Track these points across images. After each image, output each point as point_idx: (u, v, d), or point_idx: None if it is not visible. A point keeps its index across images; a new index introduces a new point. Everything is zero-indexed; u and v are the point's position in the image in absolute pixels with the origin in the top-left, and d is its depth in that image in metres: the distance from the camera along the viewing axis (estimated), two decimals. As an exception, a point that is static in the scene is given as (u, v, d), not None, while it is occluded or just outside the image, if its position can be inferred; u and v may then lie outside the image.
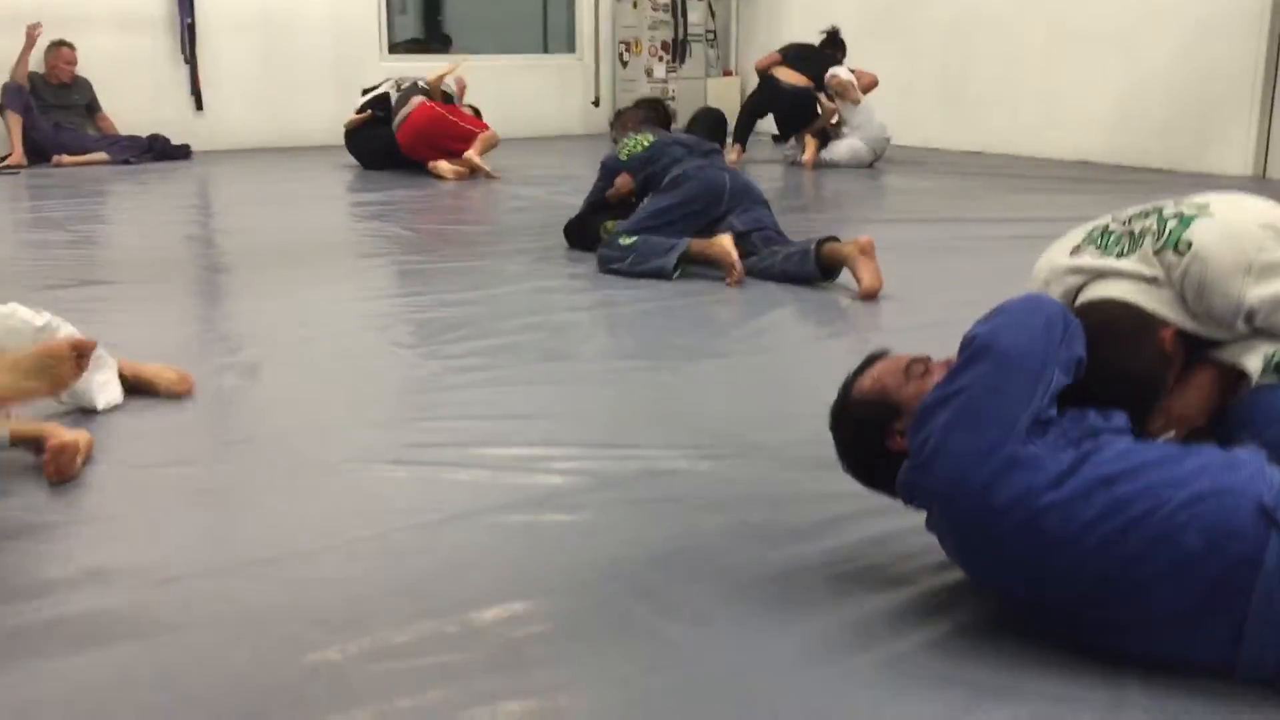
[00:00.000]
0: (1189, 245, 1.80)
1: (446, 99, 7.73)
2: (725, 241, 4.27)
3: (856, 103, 7.74)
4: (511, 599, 1.91)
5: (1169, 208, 1.91)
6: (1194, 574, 1.50)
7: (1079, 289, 1.93)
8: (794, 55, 8.08)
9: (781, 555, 2.06)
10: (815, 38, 8.45)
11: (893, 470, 1.79)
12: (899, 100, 8.23)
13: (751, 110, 8.28)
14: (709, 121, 5.47)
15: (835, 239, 4.24)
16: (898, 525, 2.04)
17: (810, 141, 7.85)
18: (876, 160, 7.83)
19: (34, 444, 2.45)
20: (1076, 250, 1.97)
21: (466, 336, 3.55)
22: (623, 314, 3.87)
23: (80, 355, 2.24)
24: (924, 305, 3.96)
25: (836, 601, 1.89)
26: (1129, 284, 1.85)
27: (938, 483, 1.66)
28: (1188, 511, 1.52)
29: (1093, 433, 1.64)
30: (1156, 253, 1.83)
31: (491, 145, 7.57)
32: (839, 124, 7.85)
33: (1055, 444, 1.61)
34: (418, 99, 7.54)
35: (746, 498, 2.33)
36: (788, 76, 7.96)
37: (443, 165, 7.36)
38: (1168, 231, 1.83)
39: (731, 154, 7.39)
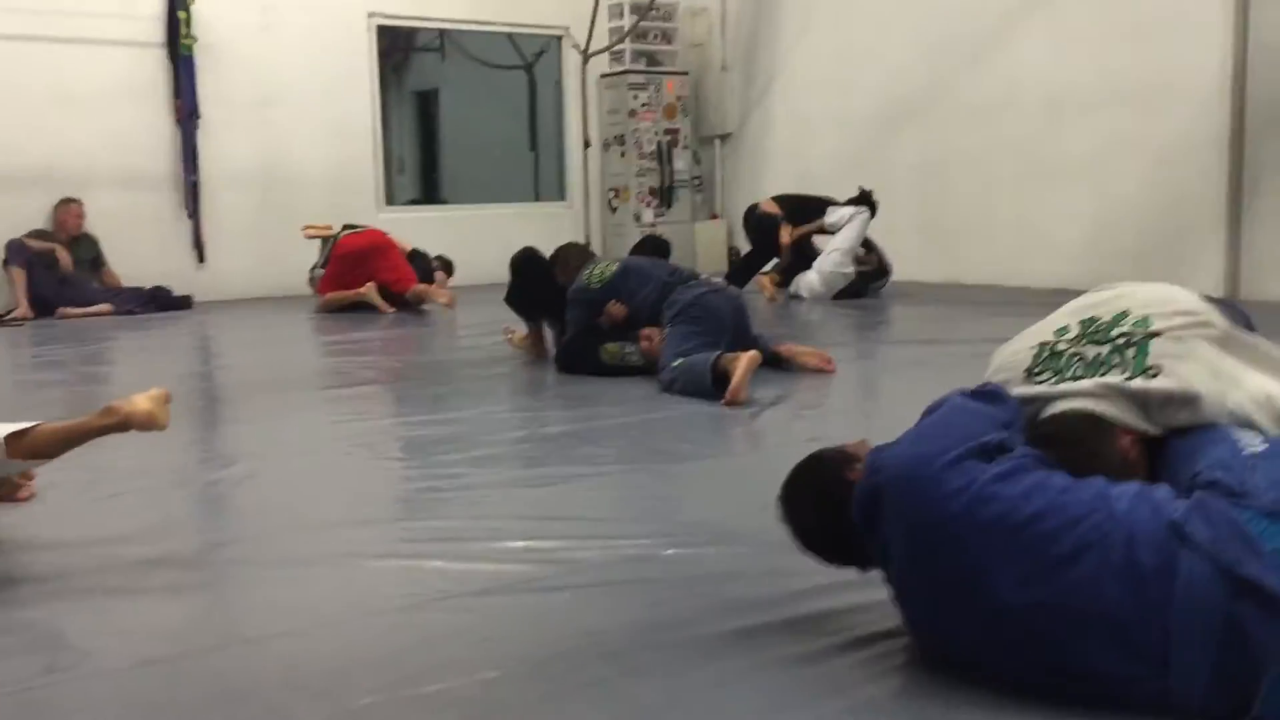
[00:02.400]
0: (1157, 369, 1.98)
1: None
2: (742, 363, 4.29)
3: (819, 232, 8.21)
4: (488, 668, 1.98)
5: (1111, 326, 2.07)
6: (1117, 580, 1.62)
7: (1040, 409, 2.07)
8: (799, 201, 8.48)
9: (749, 623, 2.14)
10: (794, 182, 8.85)
11: (845, 524, 1.91)
12: (880, 235, 8.50)
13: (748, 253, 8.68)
14: (652, 246, 5.94)
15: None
16: (862, 598, 2.12)
17: (767, 278, 8.19)
18: (841, 293, 8.01)
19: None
20: (1032, 374, 2.11)
21: (453, 450, 3.66)
22: (606, 426, 3.99)
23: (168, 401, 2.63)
24: (902, 416, 4.07)
25: (803, 659, 1.96)
26: (1089, 400, 2.00)
27: (894, 475, 1.82)
28: (1112, 523, 1.66)
29: (1031, 455, 1.82)
30: (1128, 380, 1.99)
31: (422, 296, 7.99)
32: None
33: (998, 462, 1.78)
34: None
35: (717, 576, 2.42)
36: (766, 206, 8.48)
37: (430, 290, 7.81)
38: (1130, 362, 2.01)
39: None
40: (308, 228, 8.42)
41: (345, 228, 8.31)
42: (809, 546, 2.06)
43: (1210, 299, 2.20)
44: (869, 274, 8.22)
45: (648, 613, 2.21)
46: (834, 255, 8.06)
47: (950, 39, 8.87)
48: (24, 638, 2.17)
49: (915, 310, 7.46)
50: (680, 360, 4.49)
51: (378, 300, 7.83)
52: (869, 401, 4.72)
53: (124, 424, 2.56)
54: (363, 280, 7.93)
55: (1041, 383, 2.09)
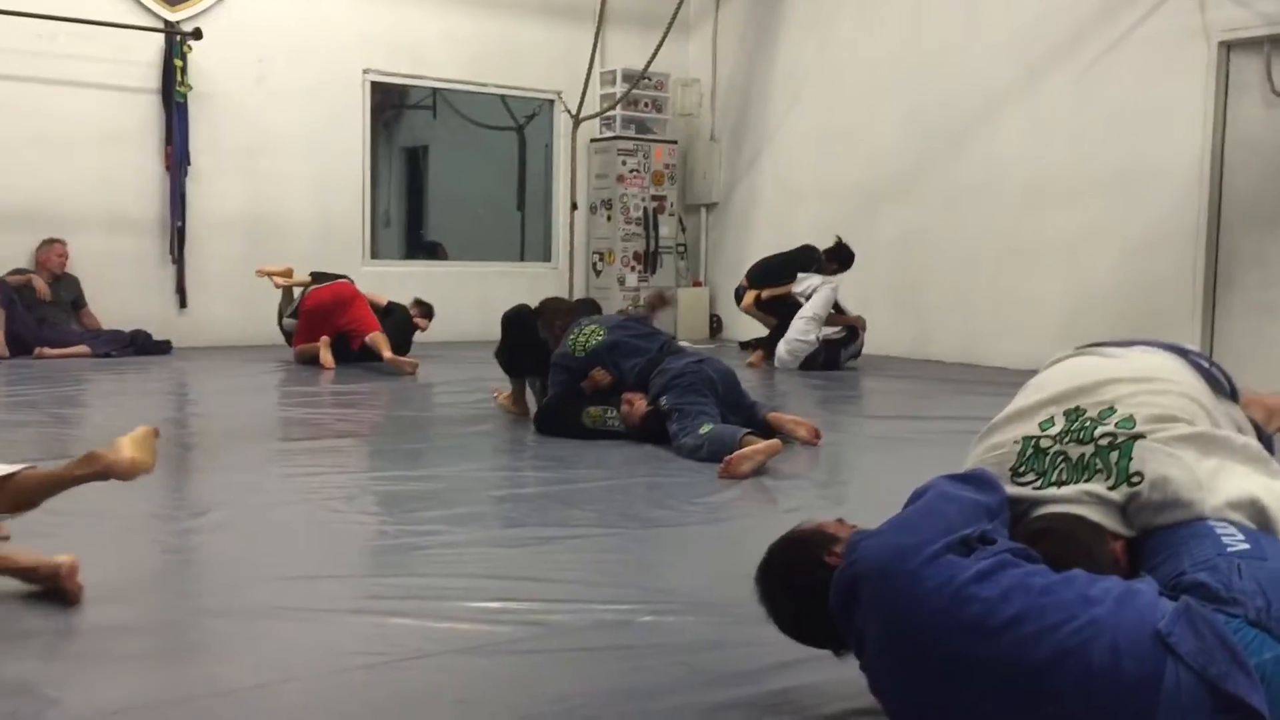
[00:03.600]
0: (1140, 476, 1.99)
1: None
2: (761, 446, 4.34)
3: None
4: (460, 730, 1.96)
5: (1095, 425, 2.07)
6: (1100, 688, 1.59)
7: (1026, 511, 2.07)
8: (765, 266, 8.60)
9: (725, 695, 2.13)
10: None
11: (823, 607, 1.89)
12: (857, 309, 8.59)
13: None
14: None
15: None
16: (840, 674, 2.11)
17: (756, 355, 8.41)
18: (813, 364, 8.07)
19: (21, 573, 2.57)
20: (1016, 473, 2.11)
21: (431, 506, 3.64)
22: (585, 489, 3.98)
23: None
24: (879, 491, 4.09)
25: (776, 735, 1.95)
26: (1073, 505, 2.01)
27: (873, 565, 1.79)
28: (1094, 628, 1.63)
29: (1012, 551, 1.78)
30: (1111, 488, 1.99)
31: (384, 342, 7.81)
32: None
33: (977, 556, 1.76)
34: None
35: (694, 645, 2.41)
36: (743, 279, 8.72)
37: (396, 359, 7.64)
38: (1114, 467, 2.01)
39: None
40: (264, 271, 8.40)
41: (313, 275, 8.28)
42: (784, 627, 2.03)
43: (1193, 359, 2.22)
44: (839, 341, 8.29)
45: (624, 680, 2.20)
46: (798, 324, 8.15)
47: (934, 120, 9.04)
48: (-10, 682, 2.14)
49: (890, 384, 7.51)
50: (709, 428, 4.54)
51: (325, 356, 7.76)
52: (848, 473, 4.74)
53: (105, 473, 2.45)
54: (330, 331, 7.92)
55: (1026, 483, 2.09)
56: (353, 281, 8.30)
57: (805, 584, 1.93)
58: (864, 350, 8.54)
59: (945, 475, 2.00)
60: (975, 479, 1.98)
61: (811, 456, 4.79)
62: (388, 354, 7.61)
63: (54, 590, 2.56)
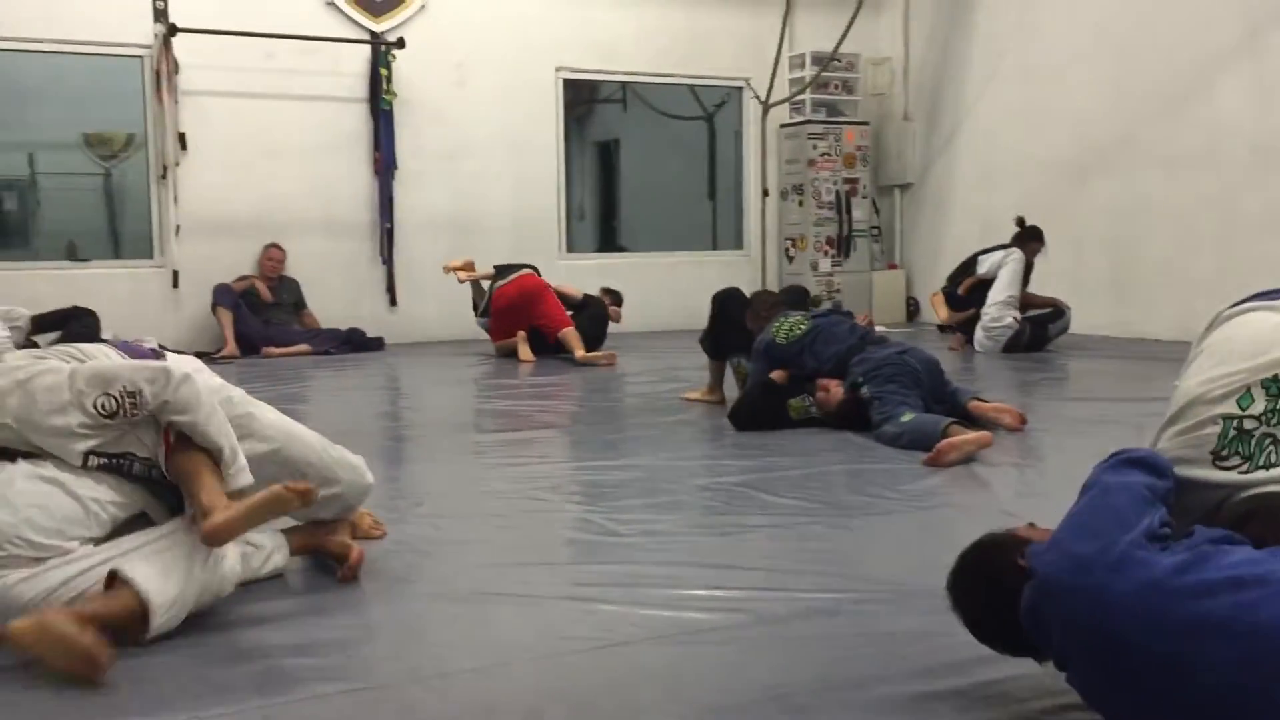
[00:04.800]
0: None
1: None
2: (971, 438, 4.26)
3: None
4: (676, 715, 2.01)
5: None
6: None
7: (1229, 495, 1.95)
8: (954, 271, 8.49)
9: (933, 686, 2.10)
10: (976, 232, 8.70)
11: (1013, 611, 1.83)
12: (1067, 289, 8.25)
13: None
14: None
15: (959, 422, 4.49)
16: (1048, 667, 2.05)
17: (956, 339, 8.25)
18: (1017, 345, 7.81)
19: (314, 552, 2.92)
20: (1219, 457, 1.99)
21: (633, 495, 3.72)
22: (785, 477, 3.98)
23: (305, 495, 2.48)
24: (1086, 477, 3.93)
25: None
26: None
27: (1054, 583, 1.71)
28: None
29: (1211, 540, 1.68)
30: None
31: (577, 340, 7.95)
32: None
33: (1171, 550, 1.66)
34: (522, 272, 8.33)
35: (900, 635, 2.38)
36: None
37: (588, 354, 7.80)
38: None
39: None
40: (449, 267, 8.60)
41: (496, 268, 8.48)
42: (980, 635, 1.98)
43: None
44: (1045, 318, 7.99)
45: (831, 668, 2.20)
46: (991, 310, 7.92)
47: (1147, 86, 8.57)
48: (237, 661, 2.31)
49: (1101, 365, 7.19)
50: (911, 416, 4.50)
51: (523, 351, 8.00)
52: (1055, 459, 4.54)
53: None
54: (523, 325, 8.15)
55: (1230, 468, 1.97)
56: (537, 270, 8.49)
57: (997, 591, 1.86)
58: (1071, 329, 8.19)
59: (1109, 459, 1.91)
60: (1141, 460, 1.88)
61: (1017, 443, 4.64)
62: (580, 353, 7.78)
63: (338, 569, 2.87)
